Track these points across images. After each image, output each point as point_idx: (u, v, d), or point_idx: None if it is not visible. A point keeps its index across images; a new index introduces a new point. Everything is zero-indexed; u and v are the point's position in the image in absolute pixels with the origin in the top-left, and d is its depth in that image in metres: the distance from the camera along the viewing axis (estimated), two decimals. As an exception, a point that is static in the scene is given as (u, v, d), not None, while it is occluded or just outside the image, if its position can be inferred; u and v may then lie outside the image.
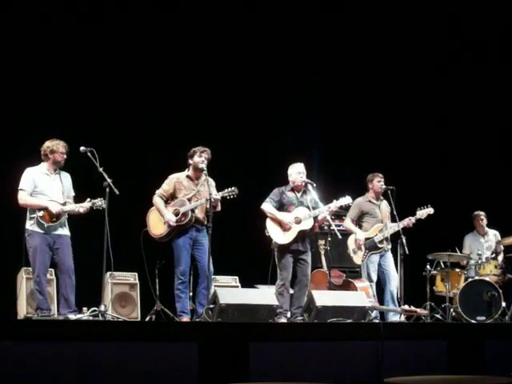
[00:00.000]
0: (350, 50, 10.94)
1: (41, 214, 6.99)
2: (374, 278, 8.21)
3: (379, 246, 8.21)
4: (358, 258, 8.25)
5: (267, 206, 7.64)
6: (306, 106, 10.85)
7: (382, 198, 8.48)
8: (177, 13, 9.93)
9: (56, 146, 7.15)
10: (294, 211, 7.62)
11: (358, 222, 8.43)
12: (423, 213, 8.36)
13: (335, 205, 7.68)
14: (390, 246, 8.31)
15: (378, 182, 8.41)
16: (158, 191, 7.47)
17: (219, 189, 7.40)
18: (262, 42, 10.43)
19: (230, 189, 7.32)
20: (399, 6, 10.93)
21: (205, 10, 10.10)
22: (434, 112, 11.17)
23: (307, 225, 7.57)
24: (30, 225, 7.03)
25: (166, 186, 7.47)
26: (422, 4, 10.99)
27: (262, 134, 10.47)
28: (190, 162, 7.47)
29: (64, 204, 7.12)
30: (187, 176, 7.49)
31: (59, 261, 7.09)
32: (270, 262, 7.65)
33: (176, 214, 7.30)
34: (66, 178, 7.34)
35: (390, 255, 8.30)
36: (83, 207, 7.13)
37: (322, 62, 10.93)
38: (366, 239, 8.23)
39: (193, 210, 7.30)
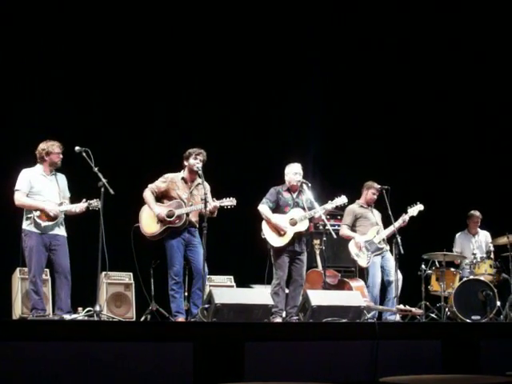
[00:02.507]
0: (350, 51, 10.95)
1: (37, 213, 7.00)
2: (379, 280, 8.23)
3: (380, 246, 8.26)
4: (362, 261, 8.26)
5: (263, 208, 7.64)
6: (304, 106, 10.86)
7: (372, 205, 8.56)
8: (176, 11, 9.92)
9: (51, 148, 7.16)
10: (289, 212, 7.63)
11: (353, 227, 8.46)
12: (414, 210, 8.43)
13: (331, 205, 7.69)
14: (388, 247, 8.35)
15: (372, 194, 8.53)
16: (150, 185, 7.45)
17: (216, 192, 7.40)
18: (262, 41, 10.43)
19: (228, 199, 7.31)
20: (400, 7, 10.96)
21: (204, 9, 10.10)
22: (428, 113, 11.19)
23: (303, 226, 7.58)
24: (26, 225, 7.04)
25: (160, 183, 7.46)
26: (421, 6, 11.03)
27: (260, 134, 10.47)
28: (186, 163, 7.46)
29: (60, 204, 7.12)
30: (182, 178, 7.48)
31: (55, 261, 7.09)
32: (267, 262, 7.66)
33: (170, 216, 7.29)
34: (62, 179, 7.35)
35: (390, 256, 8.33)
36: (79, 207, 7.13)
37: (321, 62, 10.93)
38: (367, 241, 8.26)
39: (187, 214, 7.30)
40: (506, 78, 10.94)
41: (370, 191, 8.53)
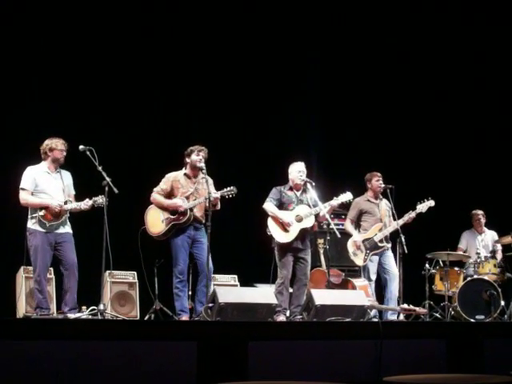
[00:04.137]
0: (349, 50, 10.94)
1: (42, 213, 6.99)
2: (373, 277, 8.23)
3: (380, 245, 8.22)
4: (359, 260, 8.25)
5: (268, 205, 7.63)
6: (305, 105, 10.85)
7: (381, 196, 8.50)
8: (177, 12, 9.93)
9: (55, 144, 7.16)
10: (295, 209, 7.62)
11: (358, 221, 8.45)
12: (424, 206, 8.37)
13: (336, 201, 7.67)
14: (390, 245, 8.33)
15: (376, 181, 8.45)
16: (155, 189, 7.47)
17: (218, 188, 7.40)
18: (262, 41, 10.42)
19: (228, 188, 7.31)
20: (398, 7, 10.94)
21: (205, 11, 10.10)
22: (431, 111, 11.17)
23: (309, 223, 7.57)
24: (31, 224, 7.03)
25: (164, 184, 7.46)
26: (420, 6, 11.02)
27: (262, 132, 10.47)
28: (188, 160, 7.46)
29: (65, 202, 7.12)
30: (185, 174, 7.48)
31: (62, 257, 7.08)
32: (272, 261, 7.65)
33: (174, 213, 7.30)
34: (67, 176, 7.34)
35: (390, 253, 8.31)
36: (84, 204, 7.13)
37: (321, 62, 10.93)
38: (366, 240, 8.24)
39: (191, 209, 7.30)
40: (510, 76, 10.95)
41: (374, 180, 8.46)
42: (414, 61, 11.12)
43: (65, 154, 7.21)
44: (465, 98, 11.19)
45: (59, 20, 9.16)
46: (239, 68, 10.29)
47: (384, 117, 11.02)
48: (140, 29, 9.68)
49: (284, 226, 7.54)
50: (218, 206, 7.37)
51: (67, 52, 9.22)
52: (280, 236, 7.53)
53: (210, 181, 7.40)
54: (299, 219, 7.56)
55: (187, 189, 7.42)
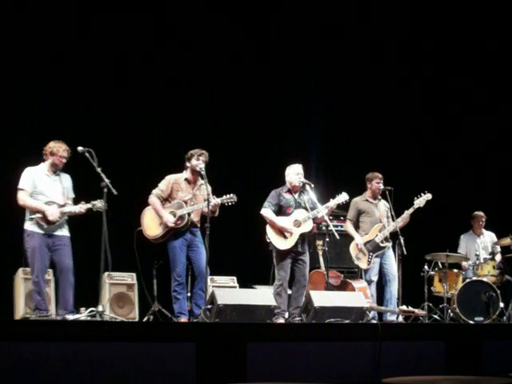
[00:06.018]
0: (350, 50, 10.95)
1: (39, 215, 6.97)
2: (375, 278, 8.22)
3: (381, 245, 8.22)
4: (363, 263, 8.23)
5: (267, 212, 7.57)
6: (305, 106, 10.86)
7: (379, 197, 8.49)
8: (177, 12, 9.94)
9: (57, 149, 7.09)
10: (292, 214, 7.58)
11: (356, 221, 8.44)
12: (421, 200, 8.34)
13: (333, 203, 7.66)
14: (390, 244, 8.31)
15: (376, 183, 8.44)
16: (154, 191, 7.45)
17: (217, 193, 7.39)
18: (262, 41, 10.44)
19: (228, 195, 7.30)
20: (398, 8, 10.96)
21: (205, 9, 10.11)
22: (431, 113, 11.18)
23: (307, 227, 7.54)
24: (29, 225, 7.01)
25: (164, 186, 7.45)
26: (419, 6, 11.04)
27: (262, 134, 10.47)
28: (188, 164, 7.45)
29: (64, 205, 7.10)
30: (185, 179, 7.47)
31: (58, 261, 7.06)
32: (272, 263, 7.64)
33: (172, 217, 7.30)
34: (66, 179, 7.31)
35: (391, 253, 8.30)
36: (80, 208, 7.10)
37: (322, 62, 10.94)
38: (368, 242, 8.23)
39: (189, 214, 7.29)
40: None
41: (374, 181, 8.45)
42: (414, 61, 11.13)
43: (65, 161, 7.15)
44: (464, 100, 11.20)
45: (59, 19, 9.16)
46: (239, 69, 10.29)
47: (384, 118, 11.02)
48: (140, 29, 9.68)
49: (283, 233, 7.50)
50: (217, 213, 7.37)
51: (67, 52, 9.22)
52: (279, 243, 7.49)
53: (209, 188, 7.36)
54: (298, 224, 7.53)
55: (186, 193, 7.41)
